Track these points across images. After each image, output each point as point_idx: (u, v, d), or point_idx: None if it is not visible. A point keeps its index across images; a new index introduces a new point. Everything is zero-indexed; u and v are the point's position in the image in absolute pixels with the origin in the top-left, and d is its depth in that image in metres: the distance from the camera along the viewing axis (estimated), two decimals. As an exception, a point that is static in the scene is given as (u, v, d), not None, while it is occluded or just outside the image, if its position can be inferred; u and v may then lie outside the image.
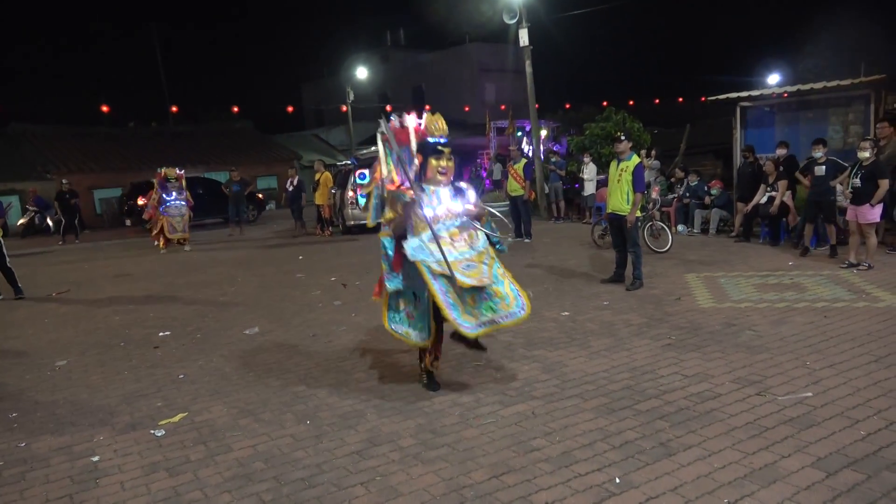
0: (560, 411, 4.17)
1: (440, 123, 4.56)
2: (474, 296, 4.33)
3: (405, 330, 4.54)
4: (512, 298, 4.44)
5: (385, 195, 4.55)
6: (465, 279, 4.27)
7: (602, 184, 16.36)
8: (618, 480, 3.26)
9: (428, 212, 4.35)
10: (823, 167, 8.82)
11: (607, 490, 3.18)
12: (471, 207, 4.60)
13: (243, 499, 3.33)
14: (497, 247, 4.78)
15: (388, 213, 4.48)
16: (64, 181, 18.81)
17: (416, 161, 4.58)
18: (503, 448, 3.70)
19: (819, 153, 8.86)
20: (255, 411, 4.53)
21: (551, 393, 4.50)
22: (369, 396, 4.66)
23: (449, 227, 4.48)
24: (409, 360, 5.39)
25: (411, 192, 4.37)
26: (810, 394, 3.91)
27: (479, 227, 4.66)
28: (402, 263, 4.46)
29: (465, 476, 3.41)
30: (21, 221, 21.34)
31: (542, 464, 3.48)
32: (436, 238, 4.25)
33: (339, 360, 5.59)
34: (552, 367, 5.02)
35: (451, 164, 4.56)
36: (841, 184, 8.73)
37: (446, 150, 4.52)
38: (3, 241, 9.53)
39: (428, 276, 4.25)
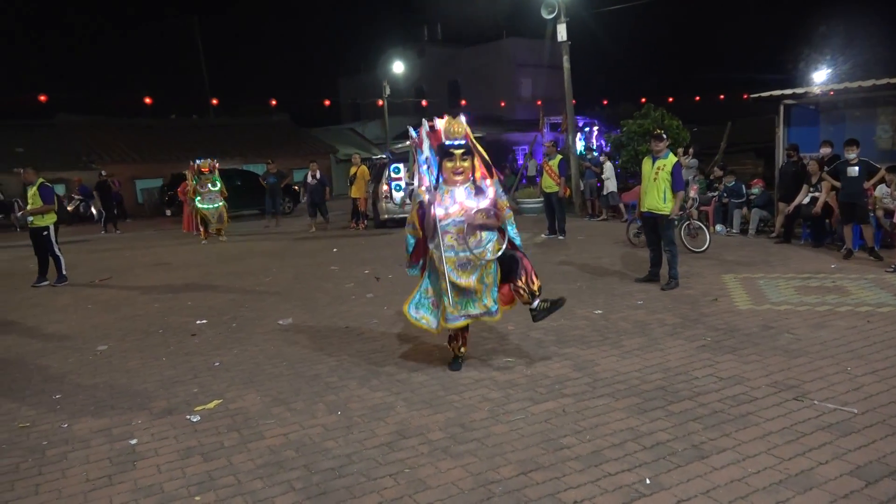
0: (591, 410, 4.14)
1: (456, 126, 4.74)
2: (459, 292, 4.74)
3: (423, 315, 4.91)
4: (489, 303, 4.86)
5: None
6: (457, 278, 4.71)
7: (626, 182, 16.19)
8: (648, 481, 3.22)
9: (439, 211, 4.68)
10: (856, 168, 8.59)
11: (637, 491, 3.15)
12: (485, 206, 4.75)
13: (274, 486, 3.39)
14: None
15: (412, 214, 4.87)
16: (102, 171, 19.20)
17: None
18: (532, 445, 3.69)
19: (852, 154, 8.63)
20: (288, 400, 4.60)
21: (582, 391, 4.47)
22: (400, 389, 4.69)
23: (457, 224, 4.72)
24: (441, 354, 5.41)
25: (427, 193, 4.75)
26: (856, 410, 3.80)
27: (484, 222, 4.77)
28: (422, 255, 5.02)
29: (494, 471, 3.41)
30: (68, 208, 21.97)
31: (572, 462, 3.46)
32: (440, 234, 4.66)
33: (370, 352, 5.64)
34: (584, 366, 4.98)
35: (465, 164, 4.75)
36: (886, 184, 8.47)
37: (458, 151, 4.71)
38: (52, 228, 9.80)
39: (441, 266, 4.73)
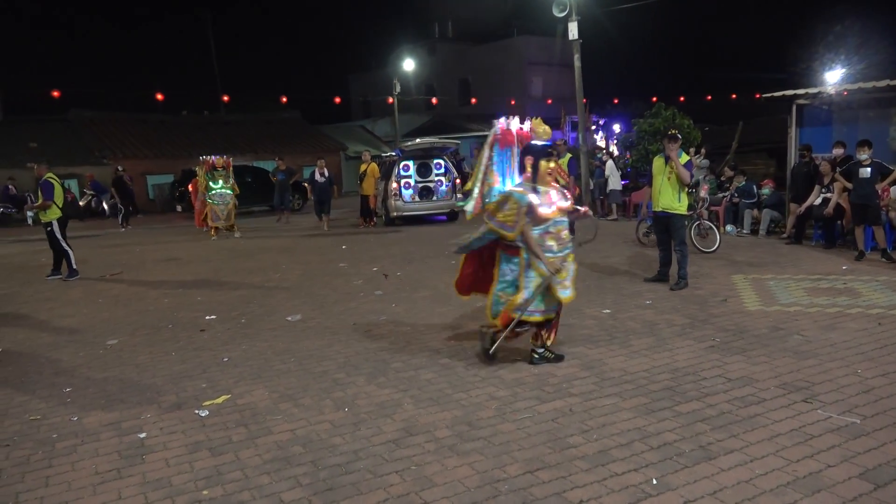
0: (598, 409, 4.13)
1: (544, 128, 4.85)
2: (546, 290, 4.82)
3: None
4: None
5: (499, 197, 4.86)
6: (555, 279, 4.77)
7: (637, 182, 16.12)
8: (655, 482, 3.21)
9: (544, 210, 4.72)
10: (868, 169, 8.53)
11: (644, 491, 3.14)
12: (568, 207, 4.91)
13: (281, 481, 3.41)
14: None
15: (507, 214, 4.73)
16: (119, 167, 19.27)
17: (527, 163, 4.81)
18: (539, 444, 3.69)
19: (864, 155, 8.57)
20: (296, 396, 4.62)
21: (590, 391, 4.46)
22: (407, 386, 4.70)
23: (557, 225, 4.80)
24: (448, 352, 5.42)
25: (530, 194, 4.70)
26: (857, 420, 3.77)
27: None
28: (484, 255, 5.20)
29: (500, 470, 3.41)
30: (80, 203, 22.15)
31: (578, 461, 3.46)
32: (543, 235, 4.72)
33: (378, 349, 5.65)
34: (591, 365, 4.97)
35: (554, 165, 4.82)
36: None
37: (553, 152, 4.81)
38: (56, 223, 9.79)
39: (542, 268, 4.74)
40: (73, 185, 23.76)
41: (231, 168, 15.02)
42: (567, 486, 3.22)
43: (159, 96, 26.59)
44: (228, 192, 14.84)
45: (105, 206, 22.08)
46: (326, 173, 15.83)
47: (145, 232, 17.42)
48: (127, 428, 4.19)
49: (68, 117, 27.62)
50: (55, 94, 22.82)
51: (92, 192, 22.15)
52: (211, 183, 14.68)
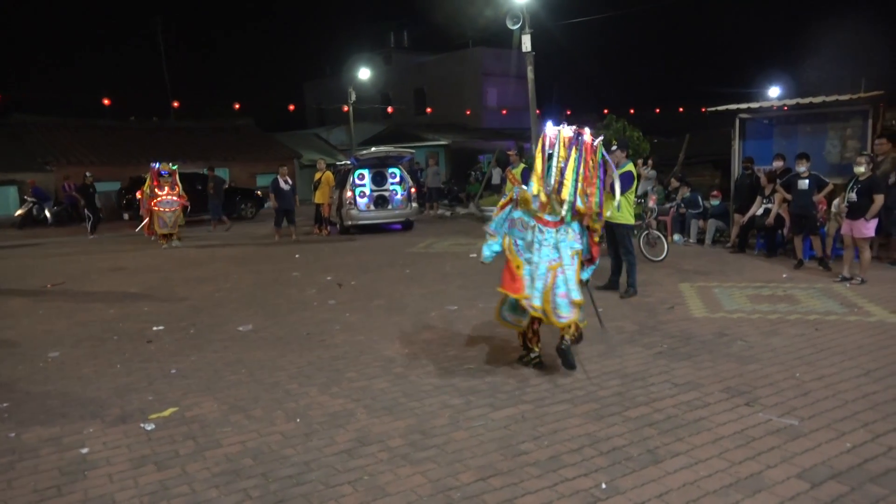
0: (550, 416, 4.19)
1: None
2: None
3: (515, 318, 5.20)
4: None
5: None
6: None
7: None
8: (604, 486, 3.28)
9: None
10: (806, 181, 8.93)
11: (593, 495, 3.20)
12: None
13: (230, 494, 3.34)
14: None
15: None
16: (87, 174, 18.31)
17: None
18: (492, 451, 3.72)
19: (802, 168, 8.97)
20: (246, 408, 4.54)
21: (542, 397, 4.52)
22: (360, 396, 4.68)
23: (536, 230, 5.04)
24: (402, 362, 5.41)
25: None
26: (796, 422, 3.93)
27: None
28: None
29: (453, 477, 3.42)
30: (19, 212, 21.29)
31: (530, 467, 3.50)
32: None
33: (331, 359, 5.61)
34: (544, 372, 5.03)
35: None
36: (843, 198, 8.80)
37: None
38: None
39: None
40: (13, 192, 22.87)
41: (177, 175, 14.68)
42: (519, 492, 3.25)
43: (106, 101, 25.86)
44: (175, 199, 14.46)
45: (47, 214, 21.26)
46: (290, 181, 15.14)
47: (91, 240, 16.84)
48: (68, 443, 4.04)
49: (9, 121, 26.56)
50: (-5, 97, 21.95)
51: (33, 200, 21.32)
52: (157, 190, 14.32)
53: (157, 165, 14.57)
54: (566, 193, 4.80)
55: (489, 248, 5.22)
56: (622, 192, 7.34)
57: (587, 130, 4.95)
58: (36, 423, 4.38)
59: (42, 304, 8.46)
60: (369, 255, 11.85)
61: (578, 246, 4.99)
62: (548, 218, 4.92)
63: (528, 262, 4.95)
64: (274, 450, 3.85)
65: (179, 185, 14.73)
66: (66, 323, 7.35)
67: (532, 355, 5.22)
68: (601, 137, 5.14)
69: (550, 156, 4.88)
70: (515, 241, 5.05)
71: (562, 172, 4.81)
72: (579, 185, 4.83)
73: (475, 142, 32.19)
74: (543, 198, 4.87)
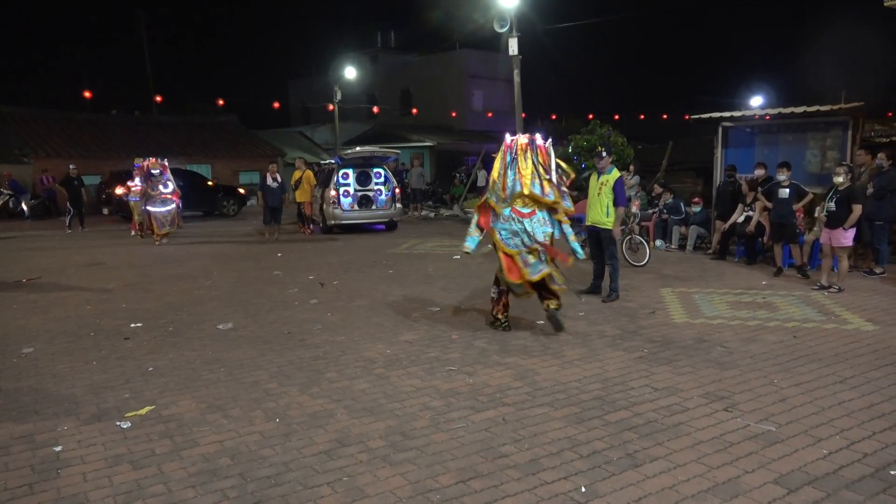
0: (530, 419, 4.19)
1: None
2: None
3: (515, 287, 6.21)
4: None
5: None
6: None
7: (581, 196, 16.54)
8: (584, 489, 3.28)
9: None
10: (787, 190, 9.04)
11: (573, 499, 3.20)
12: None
13: (207, 494, 3.30)
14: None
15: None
16: (71, 166, 17.76)
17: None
18: (472, 453, 3.71)
19: (783, 176, 9.08)
20: (225, 407, 4.49)
21: (522, 400, 4.52)
22: (341, 396, 4.65)
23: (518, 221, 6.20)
24: (383, 362, 5.39)
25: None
26: (773, 428, 3.97)
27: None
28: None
29: (433, 479, 3.41)
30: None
31: (510, 470, 3.50)
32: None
33: (312, 358, 5.57)
34: (525, 375, 5.04)
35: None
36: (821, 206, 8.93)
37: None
38: None
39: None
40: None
41: (168, 171, 14.17)
42: (499, 494, 3.25)
43: (87, 94, 25.53)
44: (170, 197, 13.91)
45: (24, 207, 20.88)
46: (279, 178, 14.77)
47: (68, 234, 16.58)
48: (41, 441, 3.97)
49: (-14, 112, 26.10)
50: (-28, 87, 21.55)
51: (10, 193, 20.93)
52: (150, 190, 13.72)
53: (143, 163, 13.98)
54: (527, 188, 6.00)
55: (472, 241, 6.41)
56: (622, 203, 7.47)
57: (539, 136, 6.23)
58: (7, 420, 4.29)
59: (17, 299, 8.31)
60: (352, 255, 11.80)
61: (549, 229, 6.17)
62: (522, 210, 6.08)
63: (518, 249, 6.05)
64: (252, 450, 3.81)
65: (173, 181, 14.18)
66: (42, 318, 7.22)
67: (501, 320, 6.40)
68: (550, 139, 6.35)
69: (514, 160, 6.12)
70: (500, 233, 6.14)
71: (520, 171, 6.05)
72: (537, 179, 6.03)
73: (460, 144, 32.19)
74: (502, 193, 6.12)
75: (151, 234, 14.24)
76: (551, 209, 6.16)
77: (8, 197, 20.90)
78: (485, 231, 6.31)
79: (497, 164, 6.22)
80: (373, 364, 5.38)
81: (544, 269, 6.00)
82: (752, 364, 5.25)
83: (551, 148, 6.24)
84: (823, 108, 10.73)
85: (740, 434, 3.91)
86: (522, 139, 6.16)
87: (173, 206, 14.07)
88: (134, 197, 15.13)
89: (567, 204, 6.26)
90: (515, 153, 6.12)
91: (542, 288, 6.14)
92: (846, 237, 7.98)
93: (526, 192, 6.01)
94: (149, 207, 14.05)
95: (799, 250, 9.19)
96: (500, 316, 6.39)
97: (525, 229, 6.05)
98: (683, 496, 3.20)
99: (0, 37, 57.15)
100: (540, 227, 6.11)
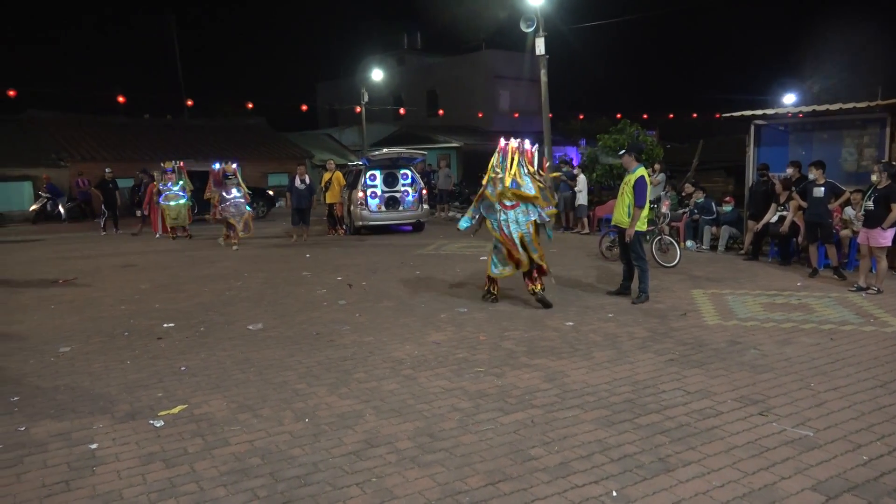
0: (559, 421, 4.15)
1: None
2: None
3: (501, 270, 7.52)
4: None
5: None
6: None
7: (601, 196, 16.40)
8: (615, 494, 3.24)
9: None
10: (822, 189, 8.82)
11: (603, 503, 3.16)
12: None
13: (238, 494, 3.33)
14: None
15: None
16: (107, 170, 18.12)
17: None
18: (500, 455, 3.68)
19: (814, 175, 8.86)
20: (255, 407, 4.53)
21: (551, 402, 4.48)
22: (369, 397, 4.66)
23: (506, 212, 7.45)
24: (412, 363, 5.39)
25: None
26: (811, 433, 3.87)
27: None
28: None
29: (461, 482, 3.39)
30: (33, 207, 21.48)
31: (539, 473, 3.46)
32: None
33: (340, 359, 5.59)
34: (553, 377, 5.00)
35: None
36: (852, 205, 8.71)
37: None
38: None
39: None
40: (27, 187, 23.03)
41: (238, 174, 13.94)
42: (528, 498, 3.22)
43: (121, 99, 26.06)
44: (241, 199, 13.76)
45: (61, 210, 21.41)
46: (308, 180, 14.78)
47: (103, 237, 16.93)
48: (77, 438, 4.04)
49: (24, 117, 26.80)
50: (11, 93, 22.14)
51: (47, 196, 21.49)
52: (224, 193, 13.66)
53: (219, 166, 13.95)
54: (507, 183, 7.23)
55: (465, 222, 7.78)
56: (640, 203, 7.32)
57: (527, 141, 7.52)
58: (45, 418, 4.39)
59: (53, 299, 8.51)
60: (379, 256, 11.84)
61: (533, 217, 7.29)
62: (506, 203, 7.28)
63: (510, 237, 7.22)
64: (282, 450, 3.83)
65: (243, 183, 14.08)
66: (78, 318, 7.38)
67: (492, 293, 7.69)
68: (536, 145, 7.90)
69: (504, 159, 7.33)
70: (492, 223, 7.41)
71: (507, 169, 7.27)
72: (520, 177, 7.24)
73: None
74: (499, 186, 7.28)
75: (233, 237, 14.04)
76: (532, 202, 7.28)
77: (45, 200, 21.47)
78: (477, 216, 7.68)
79: (492, 163, 7.47)
80: (401, 365, 5.38)
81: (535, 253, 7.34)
82: (788, 367, 5.13)
83: (536, 152, 7.76)
84: (860, 105, 10.44)
85: (776, 439, 3.82)
86: (514, 143, 7.35)
87: (245, 210, 13.74)
88: (160, 197, 15.40)
89: (545, 198, 7.43)
90: (507, 154, 7.32)
91: (527, 273, 7.41)
92: (885, 237, 7.76)
93: (507, 184, 7.20)
94: (161, 202, 14.70)
95: (835, 251, 8.97)
96: (492, 289, 7.74)
97: (509, 219, 7.26)
98: (718, 502, 3.13)
99: (38, 45, 58.67)
100: (524, 216, 7.29)
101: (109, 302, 8.26)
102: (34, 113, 27.02)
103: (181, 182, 15.03)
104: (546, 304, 7.28)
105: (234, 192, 13.61)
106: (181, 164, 15.43)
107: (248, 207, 14.01)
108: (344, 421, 4.24)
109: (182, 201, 14.88)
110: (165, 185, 14.74)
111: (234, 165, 13.96)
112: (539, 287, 7.40)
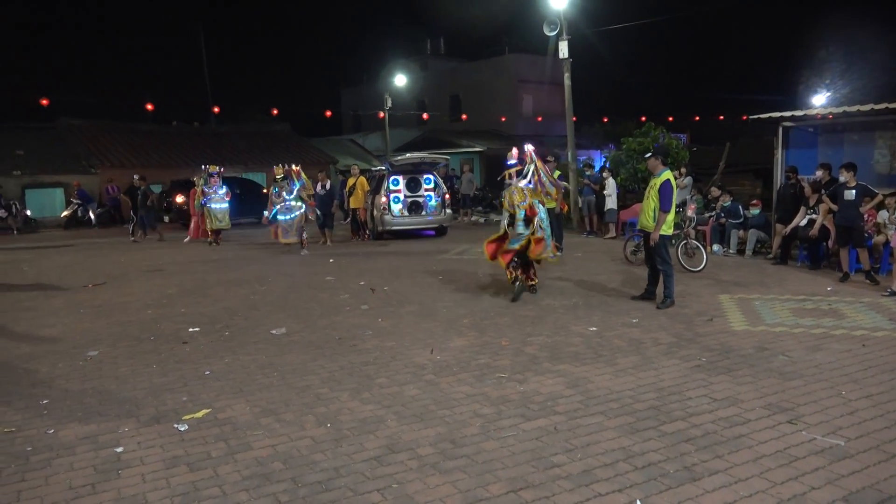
0: (583, 428, 4.10)
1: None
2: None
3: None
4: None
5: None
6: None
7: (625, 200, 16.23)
8: (639, 502, 3.18)
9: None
10: (853, 192, 8.62)
11: (627, 512, 3.10)
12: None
13: (260, 498, 3.34)
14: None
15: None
16: (136, 176, 18.35)
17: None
18: (523, 462, 3.65)
19: (845, 178, 8.67)
20: (277, 411, 4.55)
21: (575, 409, 4.43)
22: (391, 402, 4.65)
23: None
24: (433, 368, 5.38)
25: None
26: (842, 442, 3.77)
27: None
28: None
29: (483, 488, 3.36)
30: (65, 213, 21.93)
31: (562, 481, 3.42)
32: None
33: (362, 364, 5.60)
34: (577, 383, 4.95)
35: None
36: (886, 209, 8.49)
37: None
38: None
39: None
40: (59, 193, 23.53)
41: (302, 175, 13.73)
42: (550, 506, 3.18)
43: (149, 106, 26.49)
44: (296, 202, 13.44)
45: (92, 216, 21.83)
46: (329, 185, 15.04)
47: (131, 242, 17.20)
48: (103, 441, 4.10)
49: (56, 125, 27.42)
50: (43, 101, 22.68)
51: (78, 201, 21.93)
52: (205, 188, 14.43)
53: (207, 167, 14.75)
54: (522, 184, 8.32)
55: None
56: (665, 208, 7.20)
57: (537, 149, 8.74)
58: (73, 421, 4.46)
59: (83, 304, 8.67)
60: (402, 261, 11.86)
61: (543, 216, 8.15)
62: (520, 203, 8.22)
63: (517, 233, 8.18)
64: (304, 454, 3.84)
65: (309, 183, 13.87)
66: (106, 322, 7.51)
67: (517, 281, 8.17)
68: (550, 157, 9.57)
69: (523, 163, 8.42)
70: (505, 220, 8.56)
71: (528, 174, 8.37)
72: (534, 179, 8.39)
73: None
74: (526, 188, 8.28)
75: (210, 237, 14.67)
76: (541, 201, 8.37)
77: (77, 206, 21.92)
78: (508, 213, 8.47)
79: (522, 167, 8.53)
80: (423, 370, 5.37)
81: (523, 239, 8.09)
82: (818, 374, 5.01)
83: (551, 160, 9.35)
84: (892, 106, 10.21)
85: (806, 448, 3.73)
86: (529, 147, 8.60)
87: (297, 214, 13.43)
88: (204, 199, 15.45)
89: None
90: (525, 159, 8.45)
91: (527, 267, 8.38)
92: (919, 241, 7.56)
93: (522, 185, 8.29)
94: (210, 205, 14.92)
95: (867, 255, 8.76)
96: (516, 277, 8.23)
97: (519, 217, 8.23)
98: (745, 512, 3.07)
99: (67, 53, 60.06)
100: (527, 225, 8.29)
101: (137, 306, 8.39)
102: (66, 121, 27.64)
103: (225, 187, 15.30)
104: (517, 299, 8.02)
105: (286, 195, 13.33)
106: (222, 169, 15.74)
107: (226, 203, 14.93)
108: (365, 426, 4.24)
109: (226, 205, 15.16)
110: (211, 188, 14.94)
111: (297, 168, 13.88)
112: (530, 283, 8.39)
